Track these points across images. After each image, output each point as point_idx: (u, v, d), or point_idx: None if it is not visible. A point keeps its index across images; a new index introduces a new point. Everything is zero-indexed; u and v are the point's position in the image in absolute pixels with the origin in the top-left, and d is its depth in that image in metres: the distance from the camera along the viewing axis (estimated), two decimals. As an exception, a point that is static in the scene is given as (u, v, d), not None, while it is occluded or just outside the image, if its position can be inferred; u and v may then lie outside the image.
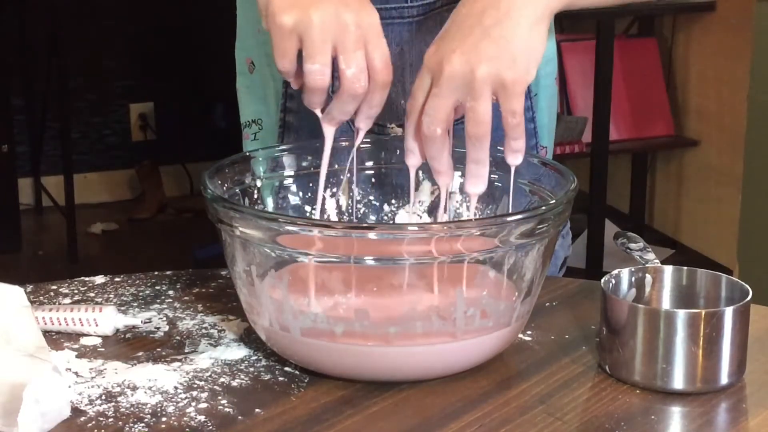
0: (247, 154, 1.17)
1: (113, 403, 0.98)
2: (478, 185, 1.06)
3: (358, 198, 1.21)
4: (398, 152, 1.21)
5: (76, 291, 1.22)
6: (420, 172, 1.21)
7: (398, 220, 1.22)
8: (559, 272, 1.40)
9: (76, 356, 1.07)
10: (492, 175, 1.08)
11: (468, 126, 1.03)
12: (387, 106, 1.28)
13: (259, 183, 1.16)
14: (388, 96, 1.28)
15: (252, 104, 1.39)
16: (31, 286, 1.22)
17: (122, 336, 1.12)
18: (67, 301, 1.19)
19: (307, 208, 1.19)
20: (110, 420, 0.95)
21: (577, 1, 1.09)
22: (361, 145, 1.21)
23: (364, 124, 1.10)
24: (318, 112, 1.09)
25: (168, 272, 1.27)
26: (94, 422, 0.95)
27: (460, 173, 1.13)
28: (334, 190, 1.20)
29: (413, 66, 1.27)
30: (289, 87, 1.30)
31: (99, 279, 1.25)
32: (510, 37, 1.02)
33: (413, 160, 1.09)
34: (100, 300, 1.20)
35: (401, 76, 1.27)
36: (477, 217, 1.13)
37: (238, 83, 1.41)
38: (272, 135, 1.35)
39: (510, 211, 1.12)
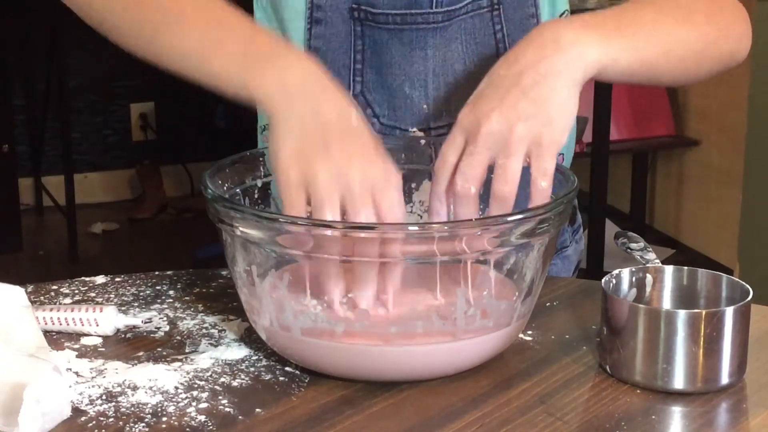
0: (248, 153, 1.17)
1: (114, 403, 0.98)
2: None
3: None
4: (398, 153, 1.21)
5: (76, 291, 1.22)
6: (420, 172, 1.21)
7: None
8: (572, 276, 1.40)
9: (77, 356, 1.07)
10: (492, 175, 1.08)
11: (496, 184, 1.02)
12: (409, 110, 1.29)
13: (260, 183, 1.16)
14: (410, 99, 1.28)
15: None
16: (32, 286, 1.22)
17: (123, 336, 1.12)
18: (68, 301, 1.19)
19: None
20: (111, 420, 0.95)
21: (608, 71, 1.08)
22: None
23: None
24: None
25: (168, 272, 1.27)
26: (94, 422, 0.95)
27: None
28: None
29: (435, 71, 1.28)
30: None
31: (99, 279, 1.25)
32: (548, 98, 1.03)
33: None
34: (100, 300, 1.20)
35: (424, 80, 1.28)
36: (477, 217, 1.14)
37: None
38: None
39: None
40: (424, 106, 1.29)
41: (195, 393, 0.99)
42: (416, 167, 1.21)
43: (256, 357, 1.06)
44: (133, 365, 1.05)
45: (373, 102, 1.30)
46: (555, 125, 1.03)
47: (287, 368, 1.04)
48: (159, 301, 1.20)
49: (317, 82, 1.04)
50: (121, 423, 0.94)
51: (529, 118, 1.02)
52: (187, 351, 1.08)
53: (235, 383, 1.01)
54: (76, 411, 0.96)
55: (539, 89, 1.03)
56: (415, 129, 1.29)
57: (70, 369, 1.04)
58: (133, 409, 0.97)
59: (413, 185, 1.21)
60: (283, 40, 1.09)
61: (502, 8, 1.29)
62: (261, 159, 1.16)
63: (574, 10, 1.31)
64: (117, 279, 1.25)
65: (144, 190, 4.57)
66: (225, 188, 1.10)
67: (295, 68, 1.04)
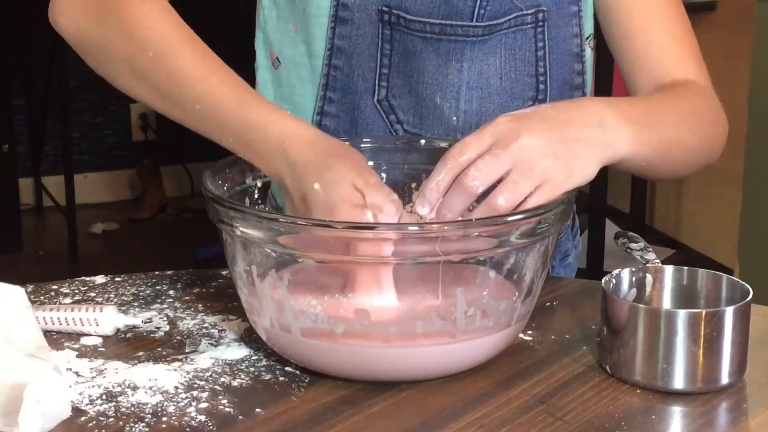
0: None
1: (114, 403, 0.98)
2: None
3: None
4: (398, 153, 1.21)
5: (76, 291, 1.22)
6: (422, 174, 1.21)
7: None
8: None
9: (77, 356, 1.07)
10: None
11: (498, 194, 1.02)
12: (437, 121, 1.28)
13: (259, 183, 1.16)
14: (440, 110, 1.27)
15: (274, 101, 1.34)
16: (32, 286, 1.22)
17: (123, 336, 1.12)
18: (68, 300, 1.19)
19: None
20: (111, 420, 0.95)
21: (625, 164, 1.13)
22: (362, 146, 1.21)
23: None
24: None
25: (168, 272, 1.27)
26: (94, 422, 0.95)
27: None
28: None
29: (470, 84, 1.28)
30: (327, 90, 1.30)
31: (99, 279, 1.25)
32: (580, 157, 1.06)
33: (426, 211, 1.05)
34: (100, 300, 1.20)
35: (456, 93, 1.27)
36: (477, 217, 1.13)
37: (258, 76, 1.36)
38: None
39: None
40: (454, 119, 1.28)
41: (195, 393, 0.99)
42: (416, 167, 1.21)
43: (256, 357, 1.06)
44: (133, 365, 1.05)
45: (397, 108, 1.29)
46: (571, 181, 1.05)
47: (287, 368, 1.04)
48: (159, 301, 1.20)
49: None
50: (121, 423, 0.94)
51: (559, 161, 1.04)
52: (187, 351, 1.08)
53: (235, 383, 1.01)
54: (76, 411, 0.96)
55: (577, 145, 1.06)
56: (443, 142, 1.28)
57: (70, 369, 1.04)
58: (133, 409, 0.97)
59: (413, 185, 1.21)
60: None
61: (547, 26, 1.29)
62: (261, 159, 1.16)
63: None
64: (117, 279, 1.25)
65: (144, 190, 4.57)
66: (225, 188, 1.10)
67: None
